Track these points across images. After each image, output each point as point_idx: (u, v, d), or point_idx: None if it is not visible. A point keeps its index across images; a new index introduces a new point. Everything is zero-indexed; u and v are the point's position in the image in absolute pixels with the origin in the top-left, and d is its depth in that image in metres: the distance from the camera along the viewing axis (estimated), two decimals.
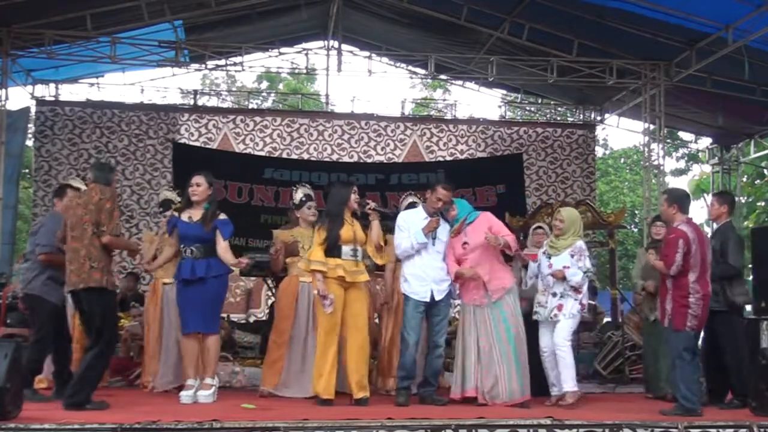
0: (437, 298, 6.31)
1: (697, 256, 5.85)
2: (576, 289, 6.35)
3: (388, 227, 6.59)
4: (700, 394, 5.86)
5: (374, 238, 6.27)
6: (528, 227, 10.10)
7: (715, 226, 6.84)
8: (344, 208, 6.20)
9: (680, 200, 6.09)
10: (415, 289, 6.31)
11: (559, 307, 6.35)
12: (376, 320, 7.72)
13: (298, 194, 7.16)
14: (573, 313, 6.34)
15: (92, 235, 5.57)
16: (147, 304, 7.37)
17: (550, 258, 6.45)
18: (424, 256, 6.35)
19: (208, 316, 6.17)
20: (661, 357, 6.79)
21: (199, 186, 6.24)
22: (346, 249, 6.12)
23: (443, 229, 6.43)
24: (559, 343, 6.31)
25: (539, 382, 6.46)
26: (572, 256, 6.36)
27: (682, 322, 5.82)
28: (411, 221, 6.39)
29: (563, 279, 6.33)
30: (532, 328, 6.51)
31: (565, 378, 6.29)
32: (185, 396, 6.09)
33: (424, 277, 6.31)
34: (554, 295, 6.38)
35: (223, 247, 6.18)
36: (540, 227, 7.47)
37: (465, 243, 6.36)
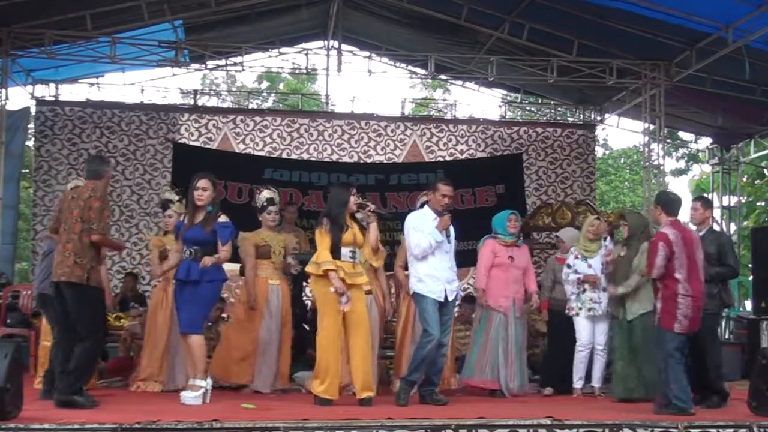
0: (450, 297, 6.41)
1: (682, 257, 5.90)
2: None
3: (389, 227, 6.68)
4: (689, 394, 5.87)
5: (372, 240, 6.34)
6: (528, 227, 10.15)
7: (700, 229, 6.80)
8: (345, 211, 6.22)
9: (664, 203, 6.20)
10: (431, 288, 6.35)
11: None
12: (393, 320, 7.84)
13: (261, 198, 7.30)
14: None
15: (81, 231, 5.57)
16: (154, 304, 7.33)
17: (587, 260, 7.29)
18: (437, 256, 6.40)
19: (192, 316, 6.12)
20: (619, 360, 6.85)
21: (206, 191, 6.21)
22: (345, 251, 6.15)
23: (451, 231, 6.47)
24: (605, 344, 7.24)
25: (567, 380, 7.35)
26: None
27: (671, 322, 5.87)
28: (423, 221, 6.43)
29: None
30: (561, 325, 7.41)
31: (601, 375, 7.27)
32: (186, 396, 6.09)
33: (438, 277, 6.37)
34: (604, 289, 7.19)
35: (222, 254, 6.18)
36: (557, 236, 8.29)
37: (511, 257, 7.19)
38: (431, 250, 6.35)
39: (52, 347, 6.20)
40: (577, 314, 7.29)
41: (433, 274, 6.36)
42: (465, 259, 8.02)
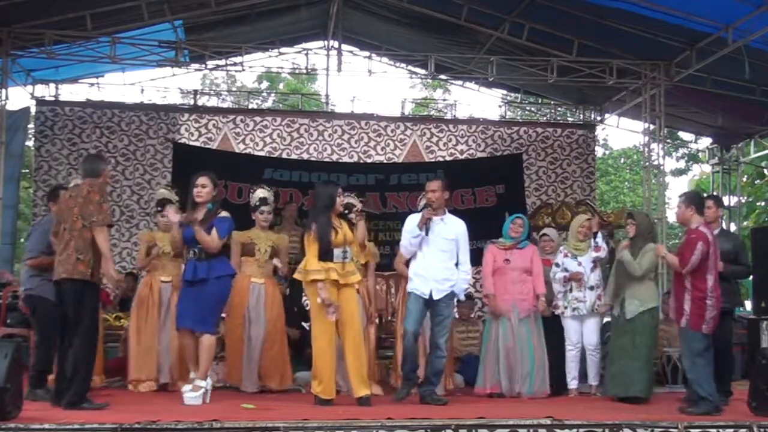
0: (435, 297, 6.38)
1: (713, 258, 5.93)
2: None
3: (389, 227, 6.73)
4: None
5: (359, 238, 6.43)
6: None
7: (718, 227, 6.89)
8: (330, 213, 6.21)
9: (697, 203, 6.21)
10: (416, 286, 6.41)
11: (600, 297, 7.19)
12: (393, 320, 7.85)
13: (254, 197, 7.32)
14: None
15: (81, 227, 5.58)
16: (139, 300, 7.28)
17: (576, 258, 7.28)
18: (426, 255, 6.42)
19: (202, 315, 6.10)
20: (616, 358, 6.82)
21: (205, 188, 6.22)
22: (337, 252, 6.15)
23: (449, 229, 6.47)
24: (596, 343, 7.21)
25: (561, 380, 7.26)
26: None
27: (699, 323, 5.91)
28: (413, 222, 6.48)
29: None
30: (546, 325, 7.23)
31: (596, 374, 7.23)
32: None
33: (426, 276, 6.38)
34: (591, 288, 7.19)
35: (213, 239, 6.13)
36: (545, 234, 8.04)
37: (507, 260, 7.12)
38: (411, 246, 6.42)
39: (36, 350, 6.26)
40: (563, 313, 7.29)
41: (420, 272, 6.41)
42: None
